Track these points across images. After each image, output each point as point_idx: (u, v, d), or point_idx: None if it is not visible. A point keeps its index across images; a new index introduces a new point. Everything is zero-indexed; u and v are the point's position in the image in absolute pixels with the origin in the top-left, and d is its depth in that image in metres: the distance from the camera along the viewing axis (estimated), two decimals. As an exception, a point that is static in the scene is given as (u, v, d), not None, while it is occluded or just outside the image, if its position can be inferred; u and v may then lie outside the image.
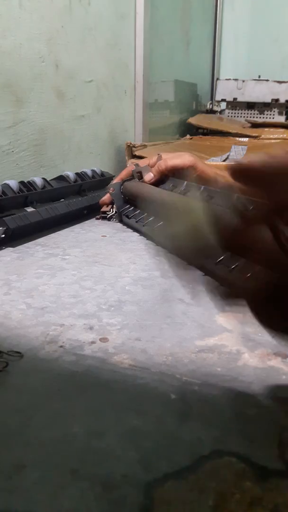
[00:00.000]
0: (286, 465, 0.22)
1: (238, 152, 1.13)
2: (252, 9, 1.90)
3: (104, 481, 0.21)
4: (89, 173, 0.83)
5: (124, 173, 0.75)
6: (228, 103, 1.60)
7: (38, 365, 0.31)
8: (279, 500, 0.20)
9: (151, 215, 0.63)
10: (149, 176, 0.68)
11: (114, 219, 0.74)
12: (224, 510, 0.19)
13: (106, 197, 0.75)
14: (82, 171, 0.82)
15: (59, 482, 0.21)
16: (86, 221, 0.74)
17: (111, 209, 0.75)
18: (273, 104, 1.52)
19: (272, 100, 1.51)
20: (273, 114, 1.54)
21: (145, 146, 1.09)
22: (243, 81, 1.54)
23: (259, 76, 1.56)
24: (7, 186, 0.64)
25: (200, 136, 1.41)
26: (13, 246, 0.58)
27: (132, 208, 0.70)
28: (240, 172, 0.23)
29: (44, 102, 0.90)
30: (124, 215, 0.71)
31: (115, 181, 0.75)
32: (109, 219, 0.74)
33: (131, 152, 1.05)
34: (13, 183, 0.65)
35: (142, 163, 0.72)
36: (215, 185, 0.65)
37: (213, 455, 0.22)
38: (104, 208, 0.75)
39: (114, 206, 0.74)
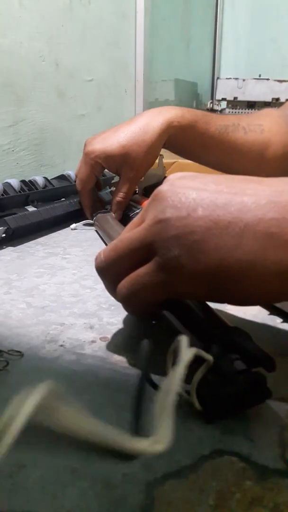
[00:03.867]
0: (286, 464, 0.22)
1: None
2: (252, 8, 1.90)
3: (104, 481, 0.21)
4: (90, 172, 0.83)
5: None
6: (229, 102, 1.60)
7: (38, 364, 0.31)
8: (279, 500, 0.20)
9: None
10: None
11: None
12: (224, 509, 0.19)
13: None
14: (83, 171, 0.82)
15: (59, 482, 0.21)
16: (87, 221, 0.74)
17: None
18: (274, 103, 1.52)
19: (273, 99, 1.51)
20: (274, 113, 1.53)
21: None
22: (244, 80, 1.54)
23: (260, 75, 1.56)
24: (8, 185, 0.64)
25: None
26: (13, 245, 0.58)
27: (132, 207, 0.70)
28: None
29: (45, 101, 0.90)
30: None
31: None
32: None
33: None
34: (15, 182, 0.65)
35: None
36: None
37: (214, 454, 0.22)
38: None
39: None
